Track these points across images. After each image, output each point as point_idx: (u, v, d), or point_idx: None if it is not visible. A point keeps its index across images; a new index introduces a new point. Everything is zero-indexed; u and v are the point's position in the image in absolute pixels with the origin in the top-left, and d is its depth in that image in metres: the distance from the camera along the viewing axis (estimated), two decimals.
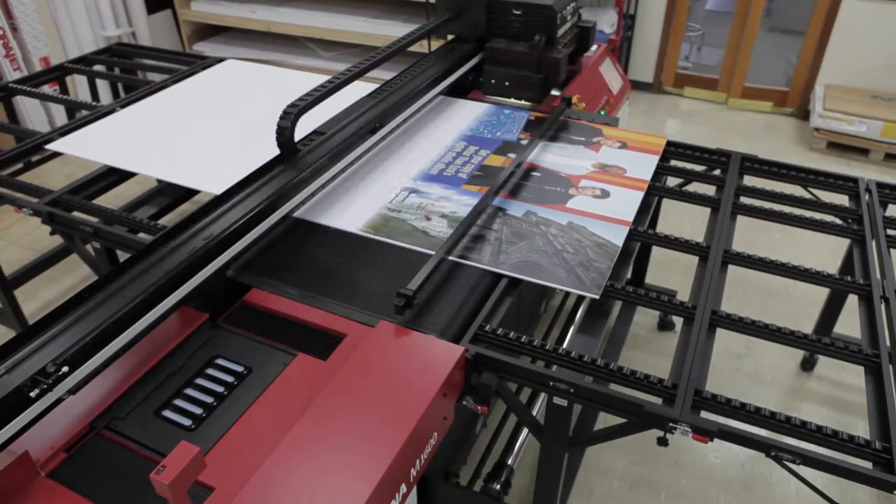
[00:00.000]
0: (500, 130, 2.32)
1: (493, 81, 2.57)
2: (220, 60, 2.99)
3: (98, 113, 2.53)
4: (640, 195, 1.97)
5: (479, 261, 1.67)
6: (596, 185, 2.00)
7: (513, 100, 2.56)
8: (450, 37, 2.68)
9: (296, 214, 1.86)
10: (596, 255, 1.70)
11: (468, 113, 2.46)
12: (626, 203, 1.93)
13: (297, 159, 1.88)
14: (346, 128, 2.04)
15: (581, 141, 2.27)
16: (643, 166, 2.12)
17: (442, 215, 1.85)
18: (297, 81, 2.74)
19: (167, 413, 1.31)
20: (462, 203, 1.91)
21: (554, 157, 2.17)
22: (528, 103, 2.54)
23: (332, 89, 1.94)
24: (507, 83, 2.55)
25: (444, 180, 2.02)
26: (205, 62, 2.97)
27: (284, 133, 1.85)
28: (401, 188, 1.98)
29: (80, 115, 2.54)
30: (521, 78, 2.52)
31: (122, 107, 2.58)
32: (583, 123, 2.40)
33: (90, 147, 2.24)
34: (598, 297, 1.57)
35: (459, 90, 2.63)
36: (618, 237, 1.77)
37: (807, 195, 2.10)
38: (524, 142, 2.24)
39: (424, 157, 2.16)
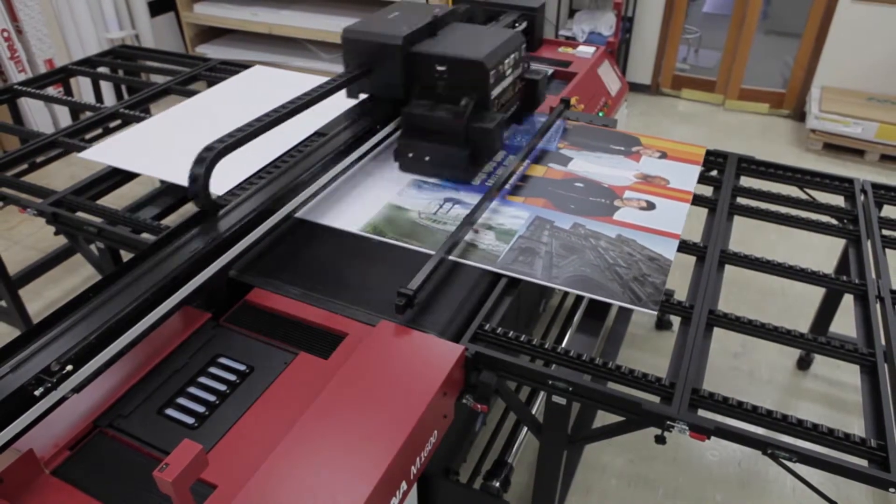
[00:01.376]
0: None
1: (410, 155, 2.04)
2: (222, 62, 2.99)
3: (102, 114, 2.53)
4: (686, 207, 1.92)
5: (531, 275, 1.62)
6: (641, 197, 1.95)
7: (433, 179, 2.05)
8: (363, 96, 2.18)
9: (315, 220, 1.83)
10: (649, 269, 1.66)
11: None
12: (673, 215, 1.88)
13: (217, 219, 1.60)
14: (254, 196, 1.71)
15: (620, 150, 2.21)
16: (685, 177, 2.07)
17: (488, 227, 1.80)
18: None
19: (170, 411, 1.31)
20: (508, 215, 1.85)
21: (595, 166, 2.12)
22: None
23: (251, 133, 1.65)
24: (426, 158, 2.01)
25: (487, 191, 1.92)
26: (207, 64, 2.97)
27: (198, 182, 1.52)
28: (443, 198, 1.93)
29: (84, 117, 2.54)
30: (443, 153, 1.99)
31: (126, 108, 2.58)
32: (620, 132, 2.32)
33: (120, 154, 2.19)
34: (655, 312, 1.53)
35: None
36: (669, 251, 1.73)
37: (803, 196, 2.10)
38: (564, 151, 2.19)
39: None
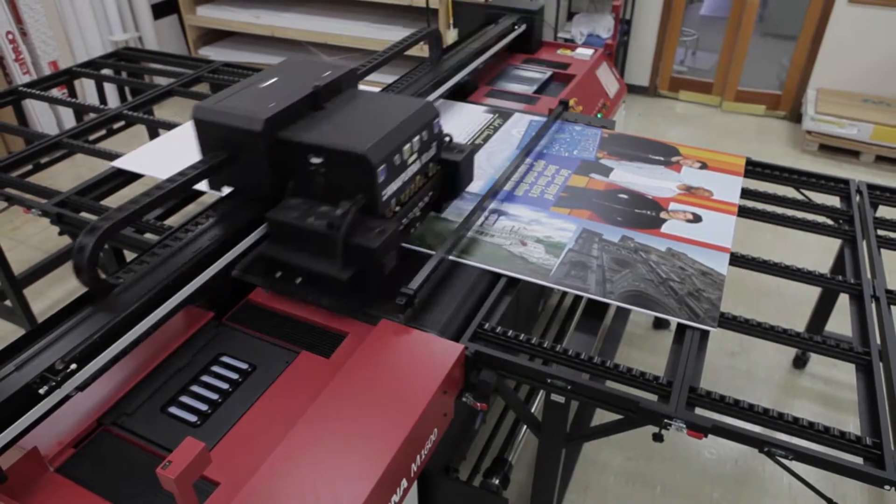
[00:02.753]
0: (576, 149, 2.21)
1: (277, 275, 1.57)
2: (225, 64, 2.99)
3: (105, 116, 2.53)
4: (733, 220, 1.88)
5: (585, 290, 1.58)
6: (686, 209, 1.91)
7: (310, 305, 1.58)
8: (227, 190, 1.71)
9: None
10: (703, 284, 1.62)
11: (517, 124, 2.35)
12: (720, 228, 1.83)
13: (111, 299, 1.35)
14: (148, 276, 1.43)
15: (660, 161, 2.16)
16: (729, 188, 2.02)
17: (537, 240, 1.75)
18: None
19: (173, 409, 1.31)
20: (555, 227, 1.80)
21: (636, 177, 2.06)
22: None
23: (150, 203, 1.45)
24: (298, 280, 1.55)
25: (531, 202, 1.92)
26: (210, 66, 2.96)
27: (82, 259, 1.28)
28: (488, 209, 1.88)
29: (88, 118, 2.54)
30: (316, 276, 1.51)
31: (130, 110, 2.58)
32: (658, 141, 2.25)
33: (152, 163, 2.15)
34: (714, 329, 1.50)
35: (460, 94, 2.61)
36: (721, 265, 1.69)
37: (799, 196, 2.10)
38: (604, 161, 2.14)
39: (483, 172, 2.06)
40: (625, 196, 1.96)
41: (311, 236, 1.50)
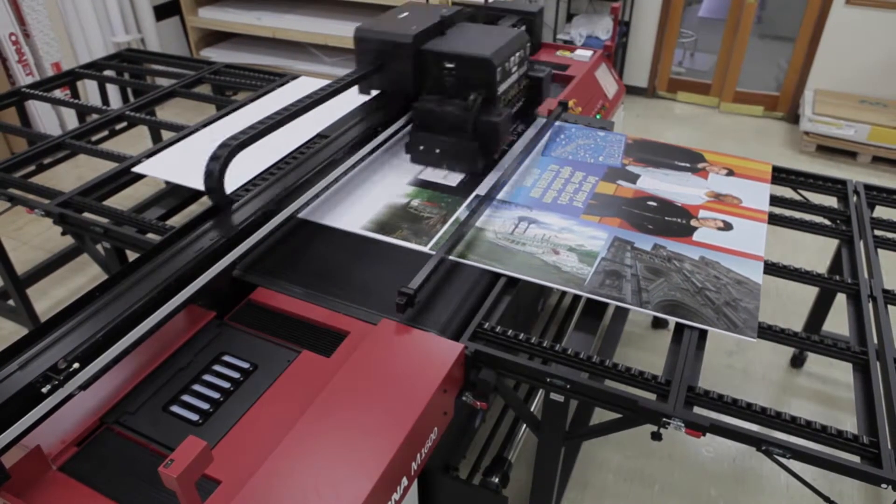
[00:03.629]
0: (601, 155, 2.19)
1: (421, 148, 2.09)
2: (226, 65, 2.99)
3: (108, 117, 2.53)
4: (764, 227, 1.85)
5: (621, 300, 1.56)
6: (717, 217, 1.89)
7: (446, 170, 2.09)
8: (374, 92, 2.23)
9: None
10: (739, 293, 1.59)
11: (535, 128, 2.34)
12: (752, 236, 1.81)
13: (230, 213, 1.65)
14: (270, 189, 1.78)
15: (686, 167, 2.14)
16: (757, 195, 2.00)
17: (569, 249, 1.73)
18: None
19: (175, 408, 1.31)
20: (586, 235, 1.79)
21: (664, 184, 2.04)
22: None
23: (269, 127, 1.70)
24: (437, 150, 2.06)
25: (561, 209, 1.90)
26: (212, 67, 2.97)
27: (212, 177, 1.57)
28: (517, 217, 1.86)
29: (91, 119, 2.54)
30: (453, 145, 2.03)
31: (132, 111, 2.58)
32: (683, 148, 2.23)
33: (171, 168, 2.14)
34: (755, 339, 1.48)
35: None
36: (755, 274, 1.66)
37: (796, 197, 2.10)
38: (630, 167, 2.12)
39: (509, 179, 2.04)
40: (654, 203, 1.94)
41: (450, 118, 1.99)
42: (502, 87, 2.04)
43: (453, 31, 2.15)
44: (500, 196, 1.95)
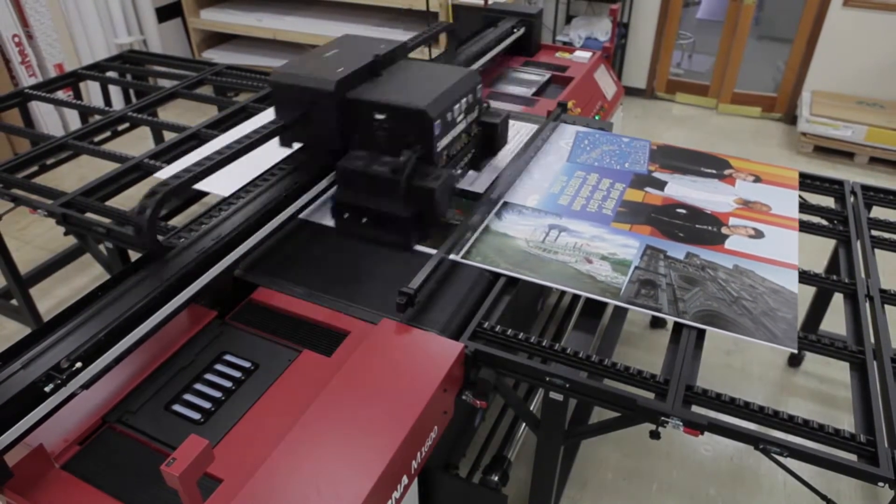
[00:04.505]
0: (627, 161, 2.15)
1: (345, 216, 1.79)
2: (228, 67, 2.98)
3: (110, 118, 2.53)
4: (796, 235, 1.82)
5: (658, 309, 1.54)
6: (747, 224, 1.85)
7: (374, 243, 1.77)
8: (297, 145, 1.92)
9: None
10: (776, 302, 1.56)
11: (563, 135, 2.30)
12: (784, 243, 1.78)
13: (164, 262, 1.48)
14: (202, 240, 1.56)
15: (713, 174, 2.10)
16: (786, 202, 1.97)
17: (602, 257, 1.70)
18: None
19: (177, 407, 1.31)
20: (617, 243, 1.75)
21: (692, 191, 2.01)
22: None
23: (206, 170, 1.56)
24: (363, 220, 1.76)
25: (590, 217, 1.87)
26: (214, 68, 2.96)
27: (141, 232, 1.41)
28: (547, 225, 1.82)
29: (93, 120, 2.54)
30: (382, 215, 1.73)
31: (134, 112, 2.58)
32: (708, 154, 2.20)
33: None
34: (795, 350, 1.46)
35: None
36: (791, 282, 1.63)
37: None
38: (657, 174, 2.08)
39: (537, 185, 2.02)
40: (683, 211, 1.91)
41: (377, 181, 1.70)
42: (443, 142, 1.77)
43: (391, 73, 1.88)
44: (529, 203, 1.91)
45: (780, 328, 1.50)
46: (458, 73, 1.87)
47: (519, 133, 2.34)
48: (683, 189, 2.02)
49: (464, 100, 1.82)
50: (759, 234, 1.82)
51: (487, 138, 2.05)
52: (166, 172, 2.11)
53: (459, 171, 1.96)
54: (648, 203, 1.94)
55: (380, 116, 1.71)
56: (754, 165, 2.17)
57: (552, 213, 1.88)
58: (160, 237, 1.55)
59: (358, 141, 1.80)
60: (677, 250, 1.74)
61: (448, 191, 1.76)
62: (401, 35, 4.49)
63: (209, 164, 1.57)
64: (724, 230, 1.83)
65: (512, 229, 1.81)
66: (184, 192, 1.54)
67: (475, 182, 2.02)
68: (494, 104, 2.60)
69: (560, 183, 2.03)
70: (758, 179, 2.09)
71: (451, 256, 1.68)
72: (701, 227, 1.83)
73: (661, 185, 2.04)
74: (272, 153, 1.88)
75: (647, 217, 1.88)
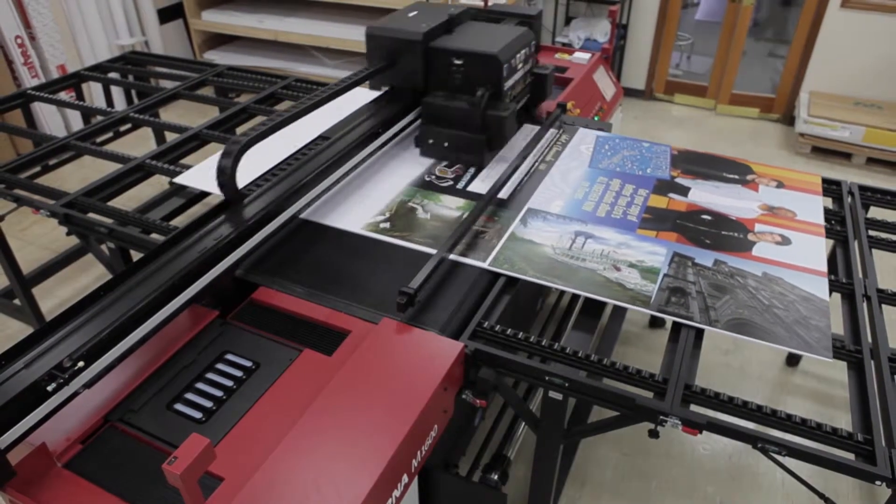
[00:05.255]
0: (649, 167, 2.13)
1: (430, 141, 2.14)
2: (229, 68, 2.98)
3: (112, 118, 2.53)
4: (823, 241, 1.80)
5: (689, 318, 1.51)
6: (774, 231, 1.83)
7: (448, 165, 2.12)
8: (385, 88, 2.34)
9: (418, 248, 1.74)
10: (807, 310, 1.54)
11: (583, 140, 2.29)
12: (812, 250, 1.76)
13: (242, 207, 1.69)
14: (282, 183, 1.81)
15: (735, 179, 2.08)
16: (811, 208, 1.95)
17: (630, 265, 1.68)
18: None
19: (179, 406, 1.31)
20: (644, 250, 1.73)
21: (715, 197, 1.98)
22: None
23: (279, 123, 1.71)
24: (445, 144, 2.12)
25: (615, 224, 1.84)
26: (215, 69, 2.96)
27: (225, 173, 1.61)
28: (573, 232, 1.81)
29: (96, 121, 2.54)
30: (460, 139, 2.09)
31: (136, 113, 2.58)
32: (730, 159, 2.18)
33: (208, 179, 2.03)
34: (830, 359, 1.42)
35: None
36: (821, 290, 1.61)
37: None
38: (679, 180, 2.07)
39: (560, 191, 2.00)
40: (708, 217, 1.88)
41: (457, 112, 2.05)
42: (509, 83, 2.10)
43: (461, 29, 2.20)
44: (552, 210, 1.90)
45: (814, 336, 1.47)
46: (517, 30, 2.23)
47: (584, 140, 2.31)
48: (707, 195, 1.99)
49: (523, 51, 2.18)
50: (786, 241, 1.79)
51: (538, 87, 2.37)
52: (184, 179, 2.08)
53: (518, 107, 2.25)
54: (673, 209, 1.91)
55: (458, 62, 2.04)
56: (776, 171, 2.14)
57: (577, 220, 1.86)
58: (161, 237, 1.55)
59: (436, 83, 2.13)
60: (705, 257, 1.72)
61: (514, 119, 2.13)
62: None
63: (288, 115, 1.74)
64: (750, 237, 1.81)
65: (538, 236, 1.79)
66: (270, 135, 1.69)
67: (478, 184, 2.04)
68: None
69: (583, 189, 2.01)
70: (781, 185, 2.06)
71: (478, 263, 1.67)
72: (727, 234, 1.81)
73: (684, 190, 2.02)
74: (360, 96, 2.32)
75: (672, 223, 1.85)
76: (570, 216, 1.88)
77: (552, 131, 2.37)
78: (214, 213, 1.64)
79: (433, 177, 2.07)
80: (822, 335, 1.48)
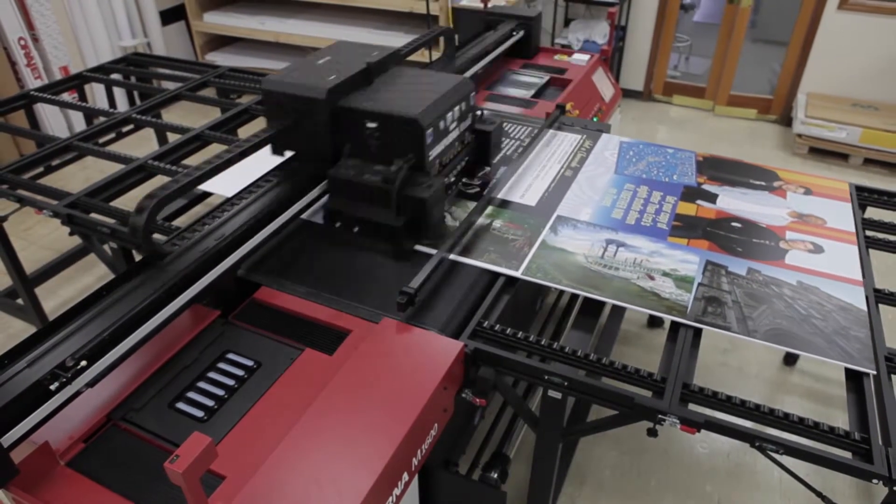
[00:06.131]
0: (675, 173, 2.10)
1: (337, 225, 1.77)
2: (231, 69, 2.98)
3: (115, 119, 2.53)
4: (855, 249, 1.78)
5: (727, 328, 1.49)
6: (805, 239, 1.80)
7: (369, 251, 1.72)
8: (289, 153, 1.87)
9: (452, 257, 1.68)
10: (846, 321, 1.51)
11: (607, 145, 2.25)
12: (845, 258, 1.73)
13: (163, 265, 1.45)
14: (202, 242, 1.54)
15: (762, 185, 2.05)
16: (840, 215, 1.92)
17: (664, 274, 1.65)
18: None
19: (180, 405, 1.31)
20: (677, 259, 1.70)
21: (744, 204, 1.95)
22: None
23: (192, 182, 1.53)
24: (356, 229, 1.75)
25: (646, 231, 1.81)
26: (217, 71, 2.96)
27: (138, 232, 1.38)
28: (604, 240, 1.77)
29: (98, 122, 2.54)
30: (373, 223, 1.71)
31: (138, 114, 2.58)
32: (756, 165, 2.15)
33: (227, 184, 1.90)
34: (874, 372, 1.39)
35: None
36: (858, 299, 1.58)
37: None
38: (706, 186, 2.03)
39: (588, 198, 1.96)
40: (738, 224, 1.85)
41: (369, 190, 1.65)
42: (435, 151, 1.73)
43: (383, 81, 1.85)
44: (582, 218, 1.86)
45: (855, 347, 1.45)
46: (450, 80, 1.84)
47: (608, 146, 2.26)
48: (735, 202, 1.96)
49: (456, 108, 1.79)
50: (818, 249, 1.76)
51: (481, 146, 2.01)
52: (212, 186, 1.92)
53: (452, 180, 1.92)
54: (702, 216, 1.88)
55: (371, 125, 1.67)
56: (804, 177, 2.11)
57: (607, 228, 1.83)
58: (164, 237, 1.55)
59: (350, 149, 1.76)
60: (738, 266, 1.69)
61: (441, 199, 1.73)
62: (401, 38, 4.49)
63: (207, 168, 1.57)
64: (782, 244, 1.78)
65: (569, 244, 1.75)
66: (179, 196, 1.51)
67: (524, 196, 1.98)
68: (494, 106, 2.60)
69: (610, 196, 1.97)
70: (808, 192, 2.03)
71: (510, 272, 1.64)
72: (758, 242, 1.78)
73: (712, 197, 1.99)
74: (267, 161, 1.85)
75: (703, 231, 1.82)
76: (600, 224, 1.84)
77: (576, 136, 2.31)
78: (127, 276, 1.43)
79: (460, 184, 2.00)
80: (863, 346, 1.45)
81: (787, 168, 2.19)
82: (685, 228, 1.84)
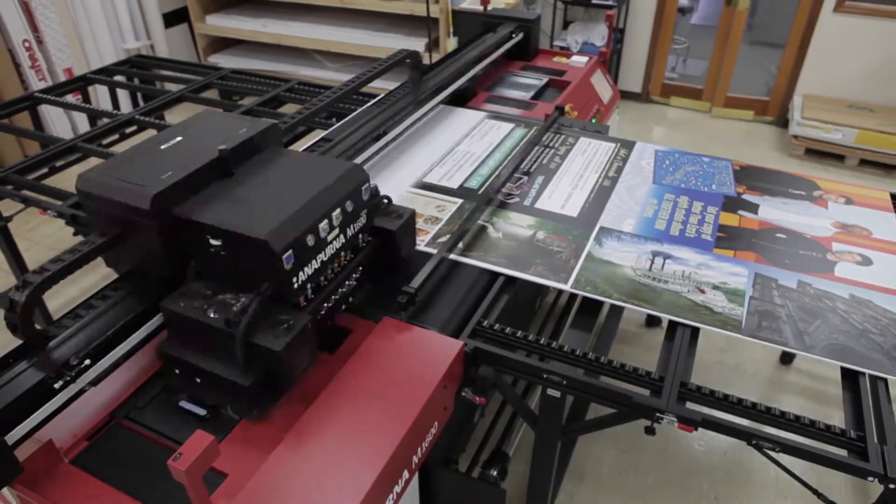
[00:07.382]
0: (713, 183, 2.04)
1: (176, 371, 1.28)
2: (233, 71, 2.98)
3: (118, 121, 2.53)
4: None
5: (784, 343, 1.44)
6: (852, 250, 1.74)
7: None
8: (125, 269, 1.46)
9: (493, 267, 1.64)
10: None
11: (643, 154, 2.19)
12: (895, 270, 1.68)
13: (45, 352, 1.20)
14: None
15: (802, 195, 1.99)
16: (885, 226, 1.86)
17: (714, 287, 1.59)
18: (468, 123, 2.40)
19: (183, 403, 1.30)
20: (725, 271, 1.65)
21: (786, 214, 1.90)
22: None
23: (70, 264, 1.33)
24: (198, 380, 1.25)
25: (691, 243, 1.76)
26: (219, 73, 2.96)
27: (15, 312, 1.15)
28: (651, 252, 1.72)
29: (102, 123, 2.54)
30: (215, 378, 1.21)
31: (142, 115, 2.58)
32: (794, 175, 2.09)
33: None
34: None
35: (459, 100, 2.61)
36: None
37: None
38: (746, 196, 1.97)
39: (629, 209, 1.91)
40: (782, 236, 1.80)
41: (210, 331, 1.19)
42: (303, 275, 1.24)
43: (245, 172, 1.35)
44: (626, 229, 1.82)
45: None
46: (335, 170, 1.35)
47: (643, 155, 2.20)
48: (777, 212, 1.91)
49: (337, 210, 1.29)
50: (866, 261, 1.71)
51: (387, 247, 1.51)
52: None
53: (338, 297, 1.41)
54: (745, 227, 1.83)
55: (215, 242, 1.21)
56: (843, 186, 2.07)
57: (652, 239, 1.78)
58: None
59: (197, 268, 1.28)
60: (788, 278, 1.63)
61: (307, 343, 1.22)
62: (402, 41, 4.49)
63: (79, 254, 1.34)
64: (829, 256, 1.72)
65: (615, 256, 1.71)
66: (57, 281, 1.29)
67: (565, 206, 1.95)
68: (493, 107, 2.59)
69: (651, 206, 1.92)
70: (849, 201, 1.98)
71: (559, 285, 1.60)
72: (805, 254, 1.73)
73: (753, 208, 1.93)
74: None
75: (748, 243, 1.77)
76: (645, 235, 1.80)
77: (610, 144, 2.25)
78: (129, 275, 1.31)
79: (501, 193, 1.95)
80: None
81: (786, 169, 2.19)
82: (730, 240, 1.78)
